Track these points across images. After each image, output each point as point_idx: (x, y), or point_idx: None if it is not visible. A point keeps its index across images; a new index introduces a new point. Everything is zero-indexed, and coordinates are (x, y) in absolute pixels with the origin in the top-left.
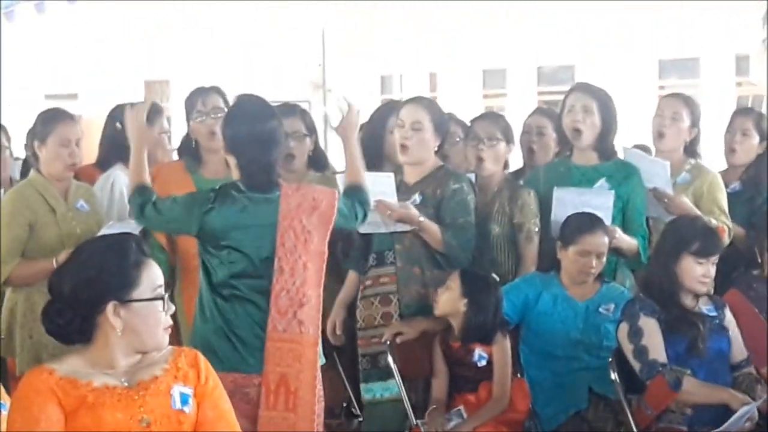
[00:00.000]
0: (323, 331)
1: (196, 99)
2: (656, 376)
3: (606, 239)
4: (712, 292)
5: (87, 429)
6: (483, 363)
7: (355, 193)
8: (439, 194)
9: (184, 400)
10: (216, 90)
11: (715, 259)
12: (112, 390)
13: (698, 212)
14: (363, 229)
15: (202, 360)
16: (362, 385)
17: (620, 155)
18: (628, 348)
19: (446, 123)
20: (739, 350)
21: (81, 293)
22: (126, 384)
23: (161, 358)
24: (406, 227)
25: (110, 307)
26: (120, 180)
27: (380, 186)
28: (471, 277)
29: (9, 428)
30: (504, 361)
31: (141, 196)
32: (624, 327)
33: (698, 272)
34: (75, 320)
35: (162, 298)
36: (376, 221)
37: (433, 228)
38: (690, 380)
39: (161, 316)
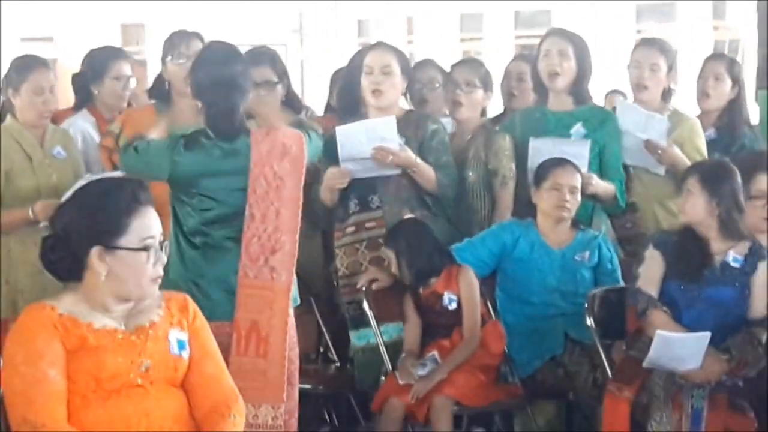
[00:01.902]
0: (301, 276)
1: (178, 42)
2: (632, 303)
3: (578, 175)
4: (688, 221)
5: (87, 371)
6: (453, 306)
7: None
8: (419, 135)
9: (181, 345)
10: (197, 35)
11: (685, 186)
12: (112, 333)
13: (688, 162)
14: (358, 175)
15: (191, 302)
16: (352, 332)
17: (615, 106)
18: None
19: (410, 67)
20: (757, 308)
21: (71, 233)
22: (124, 328)
23: (154, 303)
24: (397, 171)
25: (95, 251)
26: (78, 126)
27: (381, 132)
28: (395, 231)
29: (8, 361)
30: (470, 295)
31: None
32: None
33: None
34: (65, 258)
35: (147, 249)
36: (366, 167)
37: (427, 169)
38: (659, 315)
39: (147, 267)
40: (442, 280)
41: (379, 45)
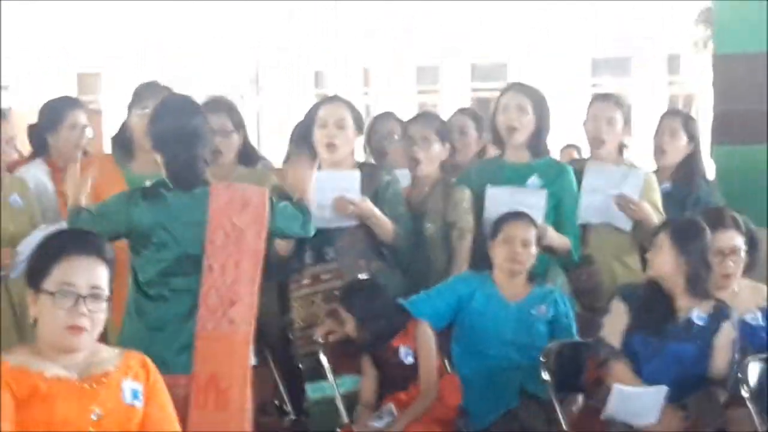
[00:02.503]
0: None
1: (146, 94)
2: (593, 352)
3: (532, 228)
4: (656, 275)
5: (38, 419)
6: (410, 360)
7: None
8: (374, 187)
9: (135, 395)
10: (168, 89)
11: (654, 243)
12: (64, 381)
13: (654, 218)
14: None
15: (150, 362)
16: (308, 385)
17: (585, 167)
18: None
19: (362, 120)
20: (717, 367)
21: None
22: (77, 377)
23: (111, 356)
24: (353, 222)
25: (30, 294)
26: (31, 174)
27: (344, 183)
28: (349, 295)
29: None
30: (426, 349)
31: (75, 210)
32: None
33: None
34: None
35: (67, 295)
36: (323, 218)
37: (385, 221)
38: (620, 367)
39: (60, 313)
40: (399, 334)
41: (334, 99)
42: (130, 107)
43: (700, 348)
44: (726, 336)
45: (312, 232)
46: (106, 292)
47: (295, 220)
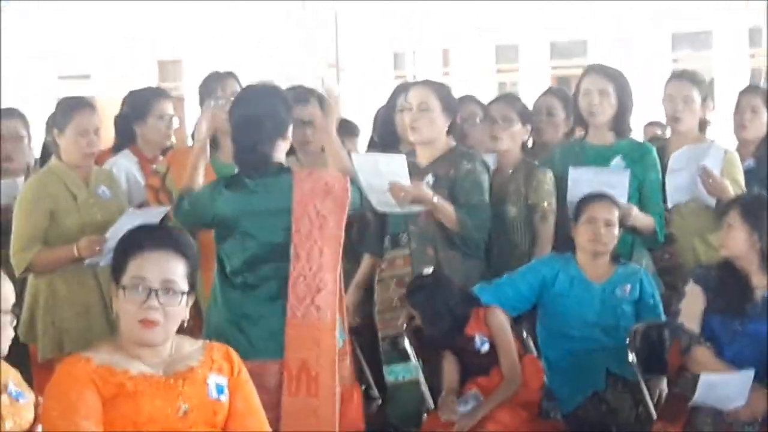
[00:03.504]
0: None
1: (213, 85)
2: (675, 339)
3: (615, 209)
4: (730, 255)
5: (125, 416)
6: (486, 347)
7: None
8: (453, 174)
9: (220, 390)
10: (232, 75)
11: (726, 221)
12: (149, 378)
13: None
14: (380, 209)
15: (234, 354)
16: (384, 367)
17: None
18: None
19: (455, 104)
20: None
21: None
22: (162, 373)
23: (195, 351)
24: (420, 208)
25: (113, 288)
26: (122, 166)
27: (393, 167)
28: (414, 290)
29: (46, 416)
30: (502, 336)
31: (182, 194)
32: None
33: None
34: None
35: (139, 289)
36: (389, 201)
37: (447, 208)
38: (703, 351)
39: (132, 307)
40: (471, 323)
41: (421, 82)
42: (201, 102)
43: None
44: None
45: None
46: (181, 286)
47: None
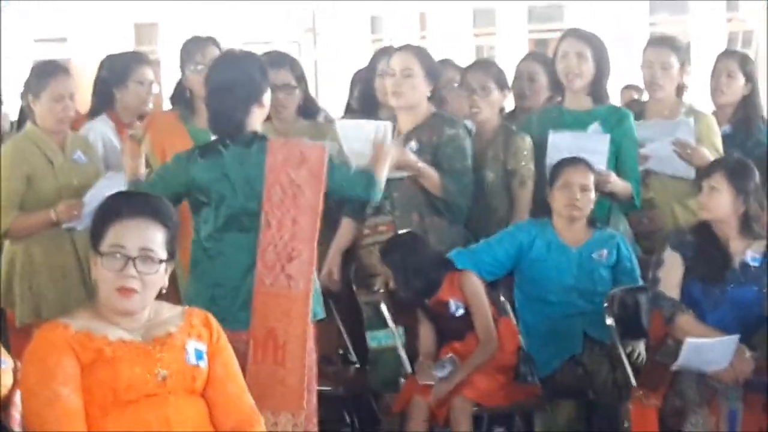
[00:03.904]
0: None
1: (194, 50)
2: (656, 308)
3: (590, 173)
4: (714, 218)
5: (103, 382)
6: (461, 312)
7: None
8: (435, 140)
9: (199, 355)
10: (212, 41)
11: (708, 184)
12: (128, 344)
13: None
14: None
15: (213, 320)
16: (367, 333)
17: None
18: (650, 275)
19: (437, 69)
20: None
21: None
22: (141, 339)
23: (174, 316)
24: (404, 174)
25: (91, 255)
26: (98, 131)
27: (378, 133)
28: (389, 251)
29: (24, 382)
30: (477, 300)
31: (132, 183)
32: (654, 257)
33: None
34: None
35: (117, 257)
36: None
37: (431, 173)
38: (685, 318)
39: (110, 275)
40: (445, 287)
41: (404, 47)
42: (182, 65)
43: (758, 290)
44: None
45: (377, 198)
46: (159, 254)
47: (357, 182)
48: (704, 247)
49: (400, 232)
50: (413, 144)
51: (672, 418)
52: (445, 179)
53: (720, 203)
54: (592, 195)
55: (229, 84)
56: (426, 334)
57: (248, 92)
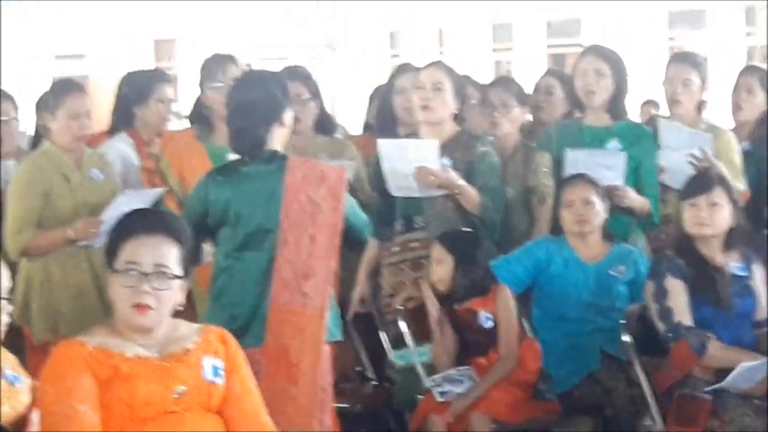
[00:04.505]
0: (341, 303)
1: (214, 67)
2: (681, 339)
3: (591, 187)
4: (715, 233)
5: (120, 399)
6: (489, 324)
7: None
8: (468, 157)
9: (216, 372)
10: (232, 59)
11: (708, 199)
12: (145, 361)
13: (730, 178)
14: (397, 194)
15: (230, 336)
16: (395, 352)
17: (656, 124)
18: (653, 307)
19: (464, 87)
20: (762, 308)
21: None
22: (157, 355)
23: (191, 333)
24: (442, 192)
25: (107, 273)
26: (117, 149)
27: (422, 152)
28: (452, 238)
29: (41, 400)
30: (507, 314)
31: None
32: (650, 286)
33: (690, 215)
34: None
35: (131, 274)
36: (410, 186)
37: (471, 192)
38: (715, 344)
39: (124, 291)
40: (479, 297)
41: (434, 63)
42: (202, 83)
43: (752, 298)
44: (761, 276)
45: (368, 238)
46: (174, 270)
47: (361, 216)
48: (700, 268)
49: (464, 229)
50: (446, 161)
51: None
52: (483, 197)
53: (723, 218)
54: (598, 207)
55: (251, 103)
56: (446, 342)
57: (269, 111)
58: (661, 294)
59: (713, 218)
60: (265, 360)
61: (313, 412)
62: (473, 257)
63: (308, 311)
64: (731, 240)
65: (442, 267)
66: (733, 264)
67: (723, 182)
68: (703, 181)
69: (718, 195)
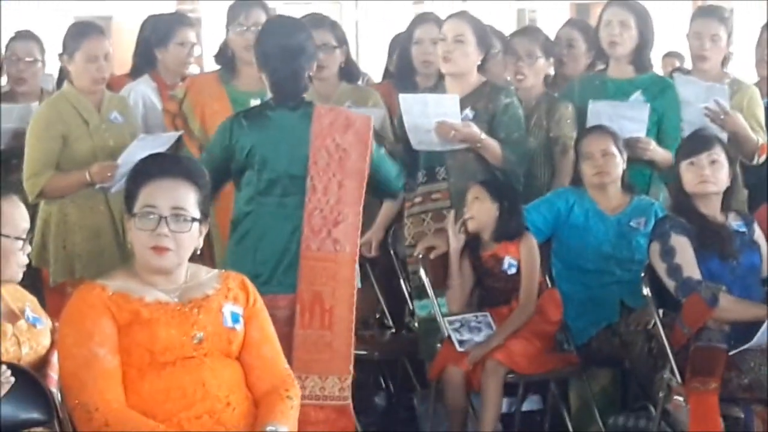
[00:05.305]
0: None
1: (239, 11)
2: (692, 293)
3: (609, 138)
4: (719, 191)
5: (140, 344)
6: (513, 271)
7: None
8: (491, 109)
9: (235, 318)
10: (261, 4)
11: (709, 157)
12: (165, 306)
13: (749, 130)
14: (419, 148)
15: (249, 283)
16: (416, 302)
17: (674, 77)
18: (661, 267)
19: (488, 37)
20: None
21: None
22: (177, 301)
23: (211, 279)
24: (464, 145)
25: (126, 218)
26: (139, 91)
27: (443, 107)
28: (495, 184)
29: (61, 343)
30: (531, 262)
31: None
32: (655, 246)
33: (691, 174)
34: None
35: (149, 217)
36: (431, 141)
37: (493, 145)
38: (726, 297)
39: (143, 234)
40: (503, 243)
41: (456, 14)
42: (228, 26)
43: (759, 254)
44: (761, 233)
45: (401, 188)
46: (191, 213)
47: (392, 166)
48: (703, 225)
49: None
50: (468, 112)
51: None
52: (505, 149)
53: (724, 175)
54: (617, 159)
55: (292, 48)
56: (466, 279)
57: (308, 58)
58: (668, 252)
59: (715, 175)
60: (300, 308)
61: (348, 356)
62: (515, 205)
63: (339, 257)
64: (729, 199)
65: (478, 206)
66: (733, 222)
67: (720, 140)
68: (703, 138)
69: (718, 152)
